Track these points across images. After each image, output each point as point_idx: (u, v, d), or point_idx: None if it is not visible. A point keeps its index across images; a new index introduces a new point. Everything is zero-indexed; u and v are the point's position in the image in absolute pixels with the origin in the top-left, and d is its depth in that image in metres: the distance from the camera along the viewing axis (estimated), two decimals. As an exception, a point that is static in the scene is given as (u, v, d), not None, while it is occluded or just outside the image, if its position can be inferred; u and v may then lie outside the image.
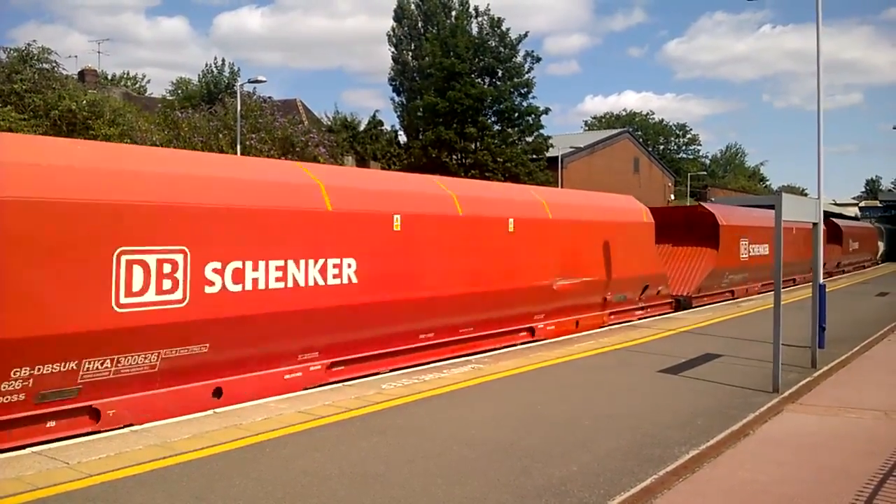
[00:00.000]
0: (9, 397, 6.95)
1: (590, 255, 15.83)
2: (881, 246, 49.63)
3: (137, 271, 7.72)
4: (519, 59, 46.57)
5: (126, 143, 25.51)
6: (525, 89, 45.89)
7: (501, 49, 46.03)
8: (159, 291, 7.91)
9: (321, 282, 9.71)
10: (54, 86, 27.07)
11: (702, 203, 22.85)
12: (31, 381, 7.05)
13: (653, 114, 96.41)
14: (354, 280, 10.17)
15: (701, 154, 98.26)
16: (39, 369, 7.08)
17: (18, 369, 6.94)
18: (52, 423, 7.34)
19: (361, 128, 47.73)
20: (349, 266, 10.11)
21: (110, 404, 7.71)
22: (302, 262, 9.47)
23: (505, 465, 6.61)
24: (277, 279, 9.14)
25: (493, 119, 45.49)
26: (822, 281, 13.20)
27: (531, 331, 14.26)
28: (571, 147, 51.35)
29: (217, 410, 8.42)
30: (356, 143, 45.39)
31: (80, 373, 7.40)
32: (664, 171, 67.89)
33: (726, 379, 10.56)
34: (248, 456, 6.75)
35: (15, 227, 6.90)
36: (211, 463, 6.53)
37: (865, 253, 43.79)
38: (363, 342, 10.63)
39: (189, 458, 6.62)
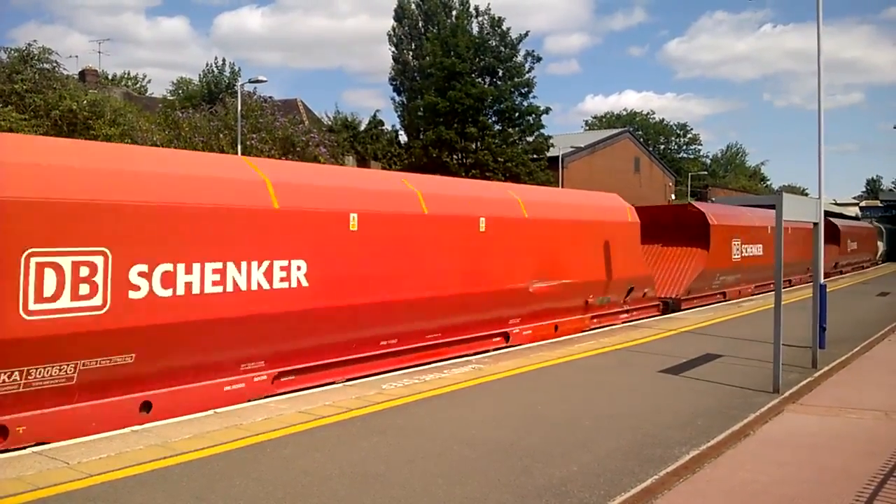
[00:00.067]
0: None
1: (570, 256, 15.16)
2: (881, 246, 49.29)
3: (49, 275, 7.11)
4: (519, 58, 46.59)
5: (127, 143, 25.53)
6: (526, 89, 45.89)
7: (502, 49, 46.03)
8: (75, 297, 7.27)
9: (266, 285, 9.03)
10: (55, 86, 27.07)
11: (692, 202, 22.39)
12: None
13: (653, 113, 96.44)
14: (304, 283, 9.49)
15: (702, 154, 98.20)
16: None
17: None
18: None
19: (362, 128, 47.72)
20: (298, 268, 9.44)
21: (19, 420, 7.05)
22: (244, 264, 8.79)
23: (505, 465, 6.61)
24: (215, 283, 8.45)
25: (493, 119, 45.49)
26: (822, 281, 13.18)
27: (505, 336, 13.59)
28: (572, 147, 51.32)
29: (217, 411, 8.43)
30: (357, 143, 45.39)
31: None
32: (665, 170, 67.87)
33: (727, 379, 10.56)
34: (248, 456, 6.76)
35: None
36: (211, 463, 6.53)
37: (864, 253, 43.35)
38: (316, 350, 9.94)
39: (189, 458, 6.62)
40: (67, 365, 7.32)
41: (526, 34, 47.22)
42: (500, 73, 45.69)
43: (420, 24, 54.61)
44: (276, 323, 9.19)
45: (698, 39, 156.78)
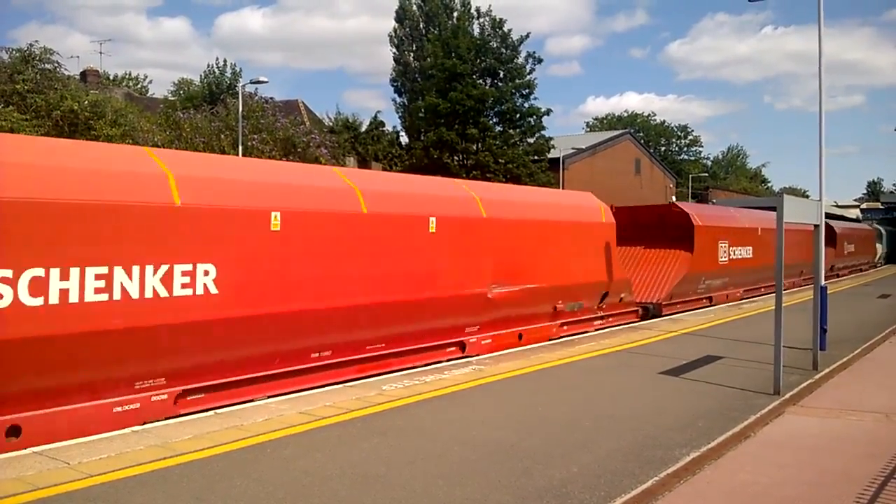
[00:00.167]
0: None
1: (535, 259, 14.16)
2: (879, 248, 48.81)
3: None
4: (520, 60, 46.62)
5: (128, 143, 25.55)
6: (527, 90, 45.92)
7: (503, 50, 46.06)
8: None
9: (164, 293, 8.00)
10: (56, 86, 27.09)
11: (676, 201, 21.77)
12: None
13: (654, 115, 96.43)
14: (213, 290, 8.45)
15: (702, 155, 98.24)
16: None
17: None
18: None
19: (363, 129, 47.74)
20: (206, 273, 8.39)
21: None
22: (136, 268, 7.75)
23: (506, 466, 6.61)
24: (98, 290, 7.42)
25: (494, 120, 45.52)
26: (823, 283, 13.17)
27: (461, 346, 12.58)
28: (573, 148, 51.36)
29: (218, 411, 8.43)
30: (358, 143, 45.42)
31: None
32: (666, 172, 67.90)
33: (727, 381, 10.55)
34: (248, 456, 6.76)
35: None
36: (212, 463, 6.53)
37: (862, 255, 42.70)
38: (231, 365, 8.93)
39: (190, 459, 6.62)
40: None
41: (527, 36, 47.34)
42: (502, 75, 45.71)
43: (421, 26, 54.64)
44: (177, 335, 8.19)
45: (700, 41, 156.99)
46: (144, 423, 7.88)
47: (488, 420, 8.25)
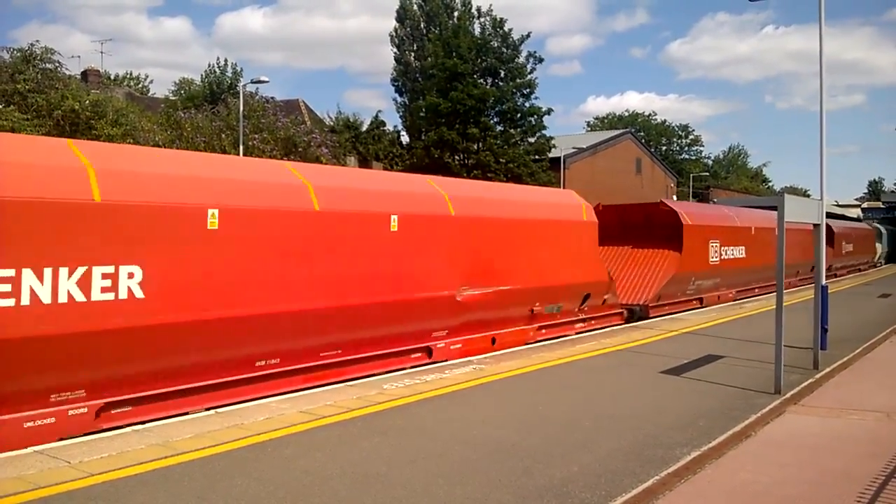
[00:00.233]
0: None
1: (510, 260, 13.48)
2: (879, 248, 48.34)
3: None
4: (521, 59, 46.55)
5: (129, 143, 25.56)
6: (527, 90, 45.86)
7: (504, 50, 46.00)
8: None
9: (81, 297, 7.35)
10: (57, 86, 27.10)
11: (664, 200, 20.67)
12: None
13: (655, 114, 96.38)
14: (139, 294, 7.81)
15: (703, 155, 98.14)
16: None
17: None
18: None
19: (364, 128, 47.73)
20: (130, 276, 7.74)
21: None
22: (47, 271, 7.13)
23: (506, 465, 6.61)
24: (3, 294, 6.83)
25: (495, 120, 45.47)
26: (824, 282, 13.17)
27: (428, 351, 11.94)
28: (574, 148, 51.33)
29: (219, 410, 8.44)
30: (359, 143, 45.41)
31: None
32: (666, 171, 67.86)
33: (728, 380, 10.55)
34: (249, 455, 6.76)
35: None
36: (213, 462, 6.54)
37: (861, 255, 42.00)
38: (161, 375, 8.26)
39: (191, 458, 6.63)
40: None
41: (528, 35, 47.24)
42: (502, 74, 45.66)
43: (422, 25, 54.61)
44: (97, 343, 7.54)
45: (700, 41, 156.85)
46: (60, 440, 7.25)
47: (489, 419, 8.25)
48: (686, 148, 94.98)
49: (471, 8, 51.64)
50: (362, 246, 10.59)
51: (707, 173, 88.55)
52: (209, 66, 52.55)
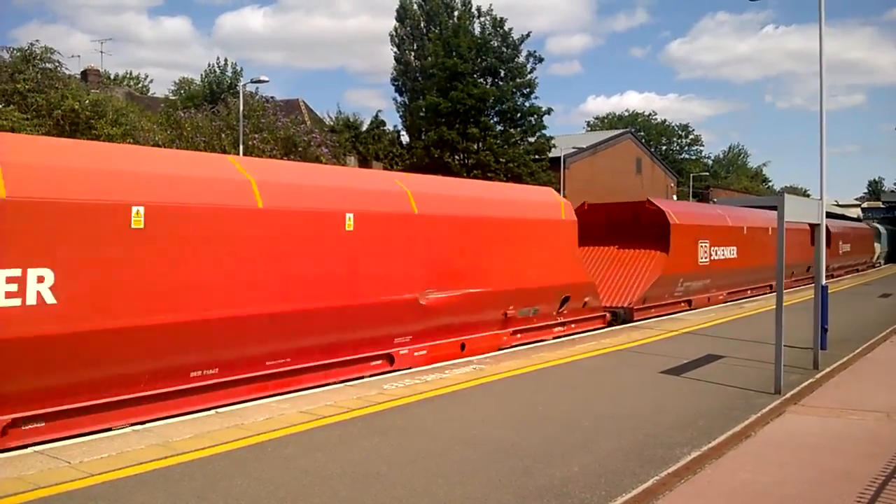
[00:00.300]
0: None
1: (480, 260, 12.81)
2: (878, 248, 47.90)
3: None
4: (521, 59, 46.55)
5: (129, 142, 25.56)
6: (527, 89, 45.86)
7: (504, 49, 46.00)
8: None
9: None
10: (57, 85, 27.09)
11: (651, 199, 19.97)
12: None
13: (655, 114, 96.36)
14: (50, 300, 7.18)
15: (703, 155, 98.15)
16: None
17: None
18: None
19: (364, 128, 47.75)
20: (40, 280, 7.13)
21: None
22: None
23: (506, 465, 6.61)
24: None
25: (495, 119, 45.47)
26: (824, 282, 13.16)
27: (389, 358, 11.24)
28: (574, 147, 51.33)
29: (219, 410, 8.44)
30: (359, 143, 45.42)
31: None
32: (667, 171, 67.88)
33: (728, 380, 10.55)
34: (249, 455, 6.76)
35: None
36: (213, 462, 6.54)
37: (859, 255, 41.38)
38: (80, 387, 7.58)
39: (191, 458, 6.63)
40: None
41: (528, 35, 47.24)
42: (502, 74, 45.66)
43: (422, 25, 54.63)
44: (1, 353, 6.97)
45: (700, 40, 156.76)
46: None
47: (489, 419, 8.25)
48: (686, 148, 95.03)
49: (471, 7, 51.68)
50: (313, 246, 9.93)
51: (707, 173, 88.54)
52: (209, 65, 52.68)
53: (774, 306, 10.16)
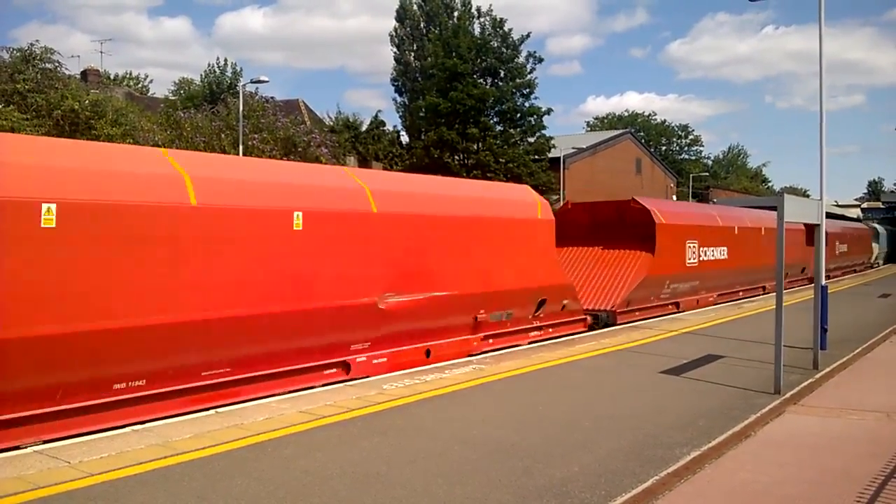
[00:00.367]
0: None
1: (447, 262, 12.14)
2: (876, 248, 47.52)
3: None
4: (521, 59, 46.55)
5: (129, 142, 25.56)
6: (527, 90, 45.86)
7: (504, 50, 46.01)
8: None
9: None
10: (57, 86, 27.11)
11: (636, 197, 19.31)
12: None
13: (655, 114, 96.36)
14: None
15: (703, 155, 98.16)
16: None
17: None
18: None
19: (364, 128, 47.77)
20: None
21: None
22: None
23: (506, 465, 6.61)
24: None
25: (495, 120, 45.47)
26: (823, 282, 13.17)
27: (345, 366, 10.50)
28: (573, 148, 51.35)
29: (219, 410, 8.44)
30: (358, 143, 45.44)
31: None
32: (666, 171, 67.90)
33: (728, 380, 10.56)
34: (249, 455, 6.76)
35: None
36: (212, 462, 6.54)
37: (856, 256, 40.70)
38: None
39: (190, 458, 6.63)
40: None
41: (528, 35, 47.24)
42: (502, 74, 45.67)
43: (422, 25, 54.65)
44: None
45: (700, 41, 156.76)
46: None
47: (489, 419, 8.25)
48: (686, 148, 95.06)
49: (471, 8, 51.70)
50: (255, 247, 9.21)
51: (707, 173, 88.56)
52: (209, 65, 52.68)
53: (773, 306, 10.17)
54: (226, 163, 11.07)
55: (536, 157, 45.72)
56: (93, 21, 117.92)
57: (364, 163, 42.83)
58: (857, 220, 54.79)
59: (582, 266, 18.56)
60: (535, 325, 14.54)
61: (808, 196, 68.08)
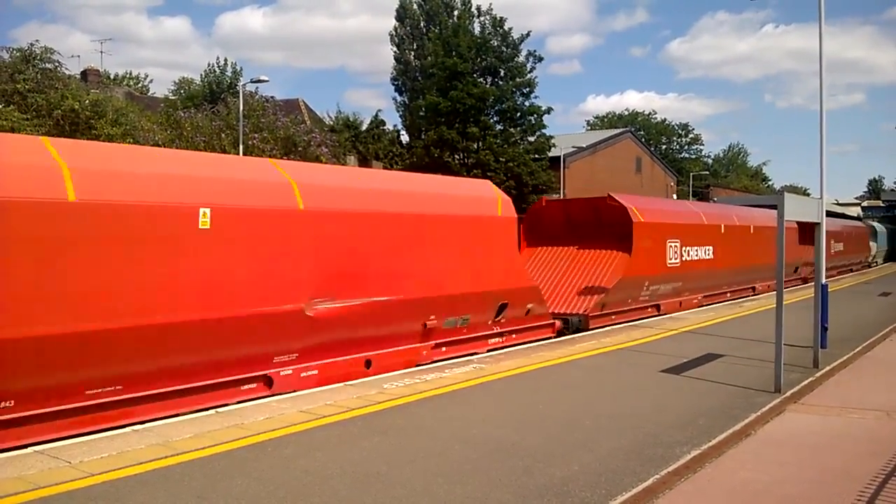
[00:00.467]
0: None
1: (389, 264, 11.05)
2: (874, 247, 47.00)
3: None
4: (521, 58, 46.50)
5: (129, 142, 25.57)
6: (527, 89, 45.82)
7: (504, 49, 45.97)
8: None
9: None
10: (57, 85, 27.10)
11: (612, 194, 18.25)
12: None
13: (655, 113, 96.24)
14: None
15: (703, 154, 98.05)
16: None
17: None
18: None
19: (364, 127, 47.75)
20: None
21: None
22: None
23: (506, 464, 6.61)
24: None
25: (495, 119, 45.43)
26: (824, 280, 13.17)
27: (267, 381, 9.49)
28: (574, 147, 51.30)
29: (219, 410, 8.44)
30: (358, 142, 45.42)
31: None
32: (666, 170, 67.86)
33: (728, 379, 10.55)
34: (249, 455, 6.76)
35: None
36: (213, 462, 6.54)
37: (853, 255, 39.64)
38: None
39: (191, 458, 6.63)
40: None
41: (528, 34, 47.16)
42: (502, 74, 45.64)
43: (422, 24, 54.62)
44: None
45: (700, 40, 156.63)
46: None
47: (489, 418, 8.25)
48: (686, 147, 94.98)
49: (470, 7, 51.64)
50: (148, 249, 8.12)
51: (707, 172, 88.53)
52: (209, 65, 52.67)
53: (772, 305, 10.16)
54: (115, 152, 9.50)
55: (536, 156, 45.67)
56: (93, 21, 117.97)
57: (364, 162, 42.84)
58: (858, 218, 54.62)
59: (555, 267, 17.76)
60: (495, 331, 13.54)
61: (808, 195, 68.08)
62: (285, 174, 10.17)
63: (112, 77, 57.41)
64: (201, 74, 48.58)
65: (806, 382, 10.49)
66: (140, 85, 69.50)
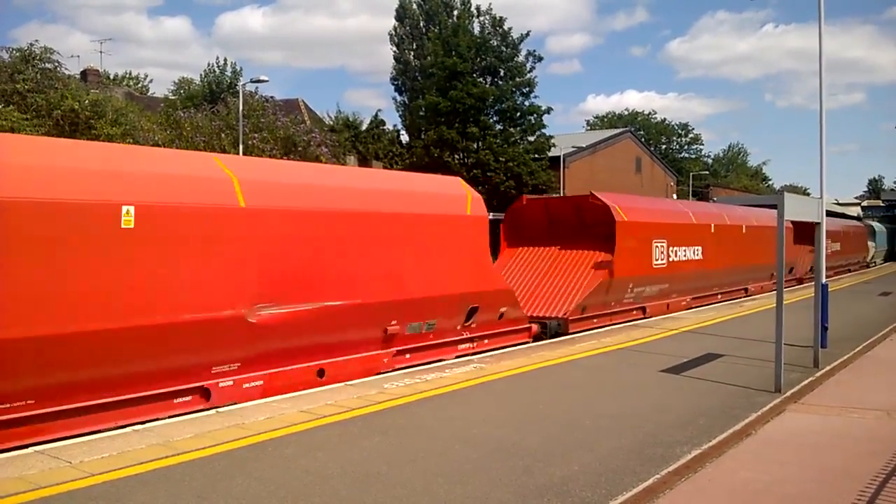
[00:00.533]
0: None
1: (344, 266, 10.38)
2: (872, 246, 46.71)
3: None
4: (521, 58, 46.49)
5: (129, 142, 25.57)
6: (527, 89, 45.82)
7: (503, 48, 45.97)
8: None
9: None
10: (57, 85, 27.09)
11: (595, 192, 17.42)
12: None
13: (655, 113, 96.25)
14: None
15: (703, 154, 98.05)
16: None
17: None
18: None
19: (364, 127, 47.75)
20: None
21: None
22: None
23: (506, 464, 6.61)
24: None
25: (495, 118, 45.42)
26: (824, 280, 13.16)
27: (204, 393, 8.81)
28: (573, 147, 51.31)
29: (219, 410, 8.44)
30: (358, 142, 45.42)
31: None
32: (666, 170, 67.86)
33: (728, 379, 10.56)
34: (250, 455, 6.76)
35: None
36: (213, 462, 6.54)
37: (850, 255, 39.16)
38: None
39: (191, 458, 6.63)
40: None
41: (527, 34, 47.15)
42: (502, 73, 45.64)
43: (421, 24, 54.60)
44: None
45: (700, 39, 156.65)
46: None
47: (489, 418, 8.25)
48: (686, 147, 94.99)
49: (470, 7, 51.62)
50: (63, 250, 7.46)
51: (707, 172, 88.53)
52: (209, 65, 52.59)
53: (772, 305, 10.17)
54: (23, 144, 8.63)
55: (536, 155, 45.67)
56: (93, 21, 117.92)
57: (364, 162, 42.84)
58: (857, 218, 54.54)
59: (535, 269, 17.10)
60: (463, 336, 12.82)
61: (808, 194, 68.10)
62: (226, 170, 9.39)
63: (112, 77, 57.42)
64: (201, 74, 48.56)
65: (806, 382, 10.49)
66: (140, 85, 69.50)
